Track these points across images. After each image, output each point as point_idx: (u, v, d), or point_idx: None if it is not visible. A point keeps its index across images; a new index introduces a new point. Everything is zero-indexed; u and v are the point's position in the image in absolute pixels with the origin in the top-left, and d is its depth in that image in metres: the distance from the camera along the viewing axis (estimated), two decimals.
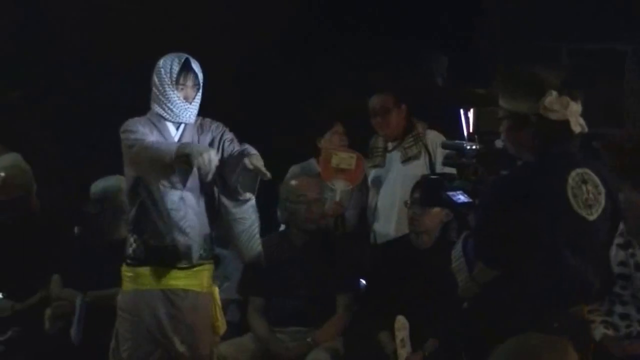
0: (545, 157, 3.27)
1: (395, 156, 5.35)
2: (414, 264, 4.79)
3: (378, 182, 5.34)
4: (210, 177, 3.94)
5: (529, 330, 3.09)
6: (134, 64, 6.24)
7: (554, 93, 3.24)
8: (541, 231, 3.20)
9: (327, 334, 4.94)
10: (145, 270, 4.08)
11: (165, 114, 4.11)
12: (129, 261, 4.11)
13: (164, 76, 4.07)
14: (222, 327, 4.25)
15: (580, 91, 3.32)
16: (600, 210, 3.25)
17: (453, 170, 3.65)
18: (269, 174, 4.05)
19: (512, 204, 3.24)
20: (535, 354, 2.42)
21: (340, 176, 5.35)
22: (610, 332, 4.24)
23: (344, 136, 5.57)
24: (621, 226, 4.15)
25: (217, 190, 4.18)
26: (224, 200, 4.17)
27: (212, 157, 3.88)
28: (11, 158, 5.58)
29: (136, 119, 4.14)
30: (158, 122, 4.13)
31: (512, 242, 3.21)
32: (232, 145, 4.15)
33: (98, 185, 5.14)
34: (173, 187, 4.02)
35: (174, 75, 4.06)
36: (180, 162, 3.90)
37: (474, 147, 3.63)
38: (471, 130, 3.67)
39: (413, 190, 4.86)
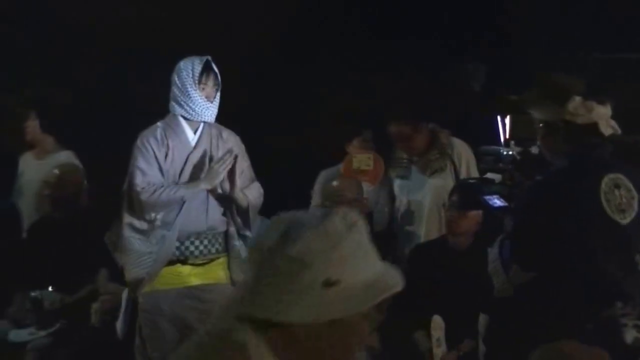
0: (577, 162, 3.32)
1: (419, 168, 5.34)
2: (450, 265, 4.82)
3: (404, 191, 5.38)
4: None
5: (562, 332, 3.17)
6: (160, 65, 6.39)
7: (578, 98, 3.28)
8: (574, 235, 3.24)
9: None
10: (165, 270, 4.21)
11: (186, 114, 4.24)
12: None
13: (186, 76, 4.19)
14: None
15: (608, 95, 3.37)
16: (633, 214, 3.28)
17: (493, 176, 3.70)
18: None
19: (546, 208, 3.29)
20: None
21: (361, 177, 5.44)
22: None
23: (371, 143, 5.67)
24: None
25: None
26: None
27: (228, 165, 4.17)
28: (65, 156, 5.72)
29: (149, 134, 4.27)
30: (176, 126, 4.25)
31: (546, 245, 3.26)
32: (242, 177, 4.32)
33: None
34: None
35: (196, 75, 4.19)
36: None
37: (510, 152, 3.69)
38: (507, 137, 3.74)
39: (451, 194, 4.89)
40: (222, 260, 4.33)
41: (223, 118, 4.45)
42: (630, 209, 3.29)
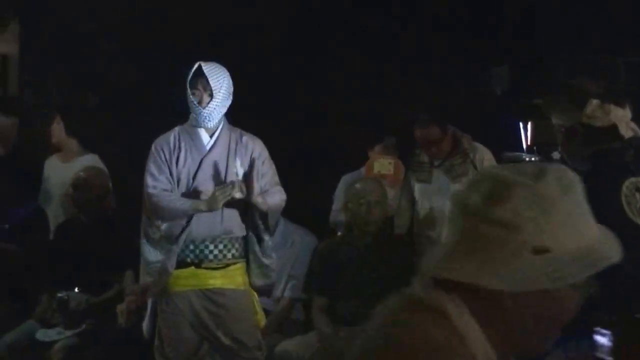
0: (598, 166, 3.34)
1: (442, 173, 5.36)
2: None
3: (425, 196, 5.40)
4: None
5: (580, 326, 3.21)
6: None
7: (595, 101, 3.30)
8: None
9: None
10: (182, 272, 4.27)
11: (192, 120, 4.35)
12: None
13: (186, 83, 4.30)
14: (262, 319, 4.44)
15: (629, 98, 3.38)
16: None
17: None
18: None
19: None
20: None
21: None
22: None
23: (393, 149, 5.71)
24: None
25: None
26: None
27: (228, 195, 4.19)
28: (91, 159, 5.76)
29: (163, 139, 4.37)
30: (191, 130, 4.34)
31: None
32: (263, 179, 4.37)
33: None
34: None
35: (189, 81, 4.27)
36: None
37: (532, 158, 3.74)
38: (530, 143, 3.78)
39: None
40: (241, 265, 4.37)
41: (244, 123, 4.51)
42: None
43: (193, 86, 4.25)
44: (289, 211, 5.63)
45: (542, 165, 1.60)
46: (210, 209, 4.23)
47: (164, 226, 4.30)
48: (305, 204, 5.83)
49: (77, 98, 6.66)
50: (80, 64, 6.76)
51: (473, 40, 6.56)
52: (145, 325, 5.00)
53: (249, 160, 4.34)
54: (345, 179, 5.81)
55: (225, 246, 4.31)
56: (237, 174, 4.31)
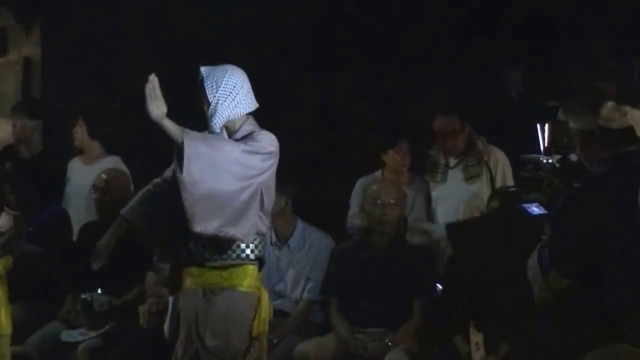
0: (616, 169, 3.33)
1: (456, 174, 5.40)
2: (487, 270, 4.79)
3: (439, 196, 5.43)
4: None
5: (603, 339, 3.21)
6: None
7: (610, 103, 3.29)
8: (614, 242, 3.25)
9: (405, 336, 5.07)
10: (187, 270, 4.18)
11: None
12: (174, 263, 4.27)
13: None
14: (260, 326, 4.19)
15: None
16: None
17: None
18: None
19: (585, 216, 3.31)
20: None
21: None
22: None
23: (407, 154, 5.72)
24: None
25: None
26: None
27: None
28: (112, 161, 5.83)
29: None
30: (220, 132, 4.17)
31: (586, 253, 3.28)
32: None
33: None
34: None
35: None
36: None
37: (550, 161, 3.72)
38: (547, 145, 3.77)
39: (489, 200, 4.95)
40: (249, 267, 4.20)
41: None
42: None
43: (196, 92, 4.17)
44: (307, 214, 5.67)
45: None
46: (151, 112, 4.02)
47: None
48: (324, 207, 5.85)
49: (99, 101, 6.70)
50: (102, 67, 6.79)
51: (488, 43, 6.55)
52: (166, 326, 5.02)
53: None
54: (360, 183, 5.84)
55: (222, 246, 4.15)
56: None
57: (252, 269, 4.19)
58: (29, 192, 5.52)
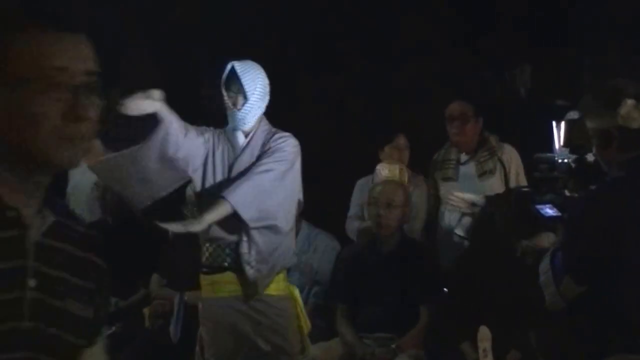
0: (634, 171, 3.25)
1: (469, 169, 5.30)
2: (496, 274, 4.78)
3: (450, 194, 5.29)
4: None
5: (617, 348, 3.10)
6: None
7: (630, 101, 3.20)
8: (629, 247, 3.16)
9: (412, 342, 4.99)
10: (219, 277, 4.16)
11: (229, 121, 4.21)
12: (204, 269, 4.19)
13: (220, 81, 4.17)
14: (305, 327, 4.30)
15: None
16: None
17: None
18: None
19: (601, 219, 3.22)
20: None
21: None
22: None
23: (406, 150, 5.58)
24: None
25: None
26: None
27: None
28: None
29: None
30: (228, 130, 4.20)
31: (601, 258, 3.19)
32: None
33: (193, 189, 5.24)
34: None
35: (223, 81, 4.14)
36: None
37: (565, 160, 3.62)
38: (562, 144, 3.65)
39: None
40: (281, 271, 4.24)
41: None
42: None
43: (227, 88, 4.13)
44: (313, 216, 5.57)
45: None
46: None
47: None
48: (328, 209, 5.76)
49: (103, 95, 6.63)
50: (102, 63, 6.73)
51: (495, 40, 6.47)
52: (172, 329, 4.97)
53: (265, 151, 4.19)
54: (359, 184, 5.71)
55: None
56: None
57: (284, 271, 4.24)
58: None
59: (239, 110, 4.12)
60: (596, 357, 3.20)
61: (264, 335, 4.15)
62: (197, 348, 4.31)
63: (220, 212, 4.00)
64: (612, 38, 5.98)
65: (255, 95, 4.11)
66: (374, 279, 5.05)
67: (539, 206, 3.61)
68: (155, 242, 5.19)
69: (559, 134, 3.68)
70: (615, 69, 5.44)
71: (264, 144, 4.18)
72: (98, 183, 5.44)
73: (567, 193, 3.59)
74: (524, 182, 5.07)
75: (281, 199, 4.10)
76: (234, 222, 4.06)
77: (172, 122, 4.00)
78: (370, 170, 5.64)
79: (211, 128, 4.29)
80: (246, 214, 3.99)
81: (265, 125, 4.22)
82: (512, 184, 5.07)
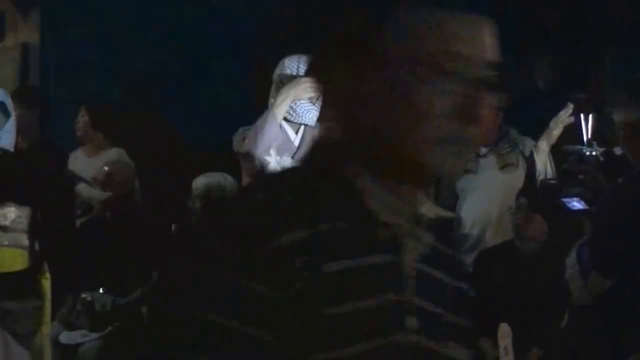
0: None
1: (489, 162, 5.19)
2: (518, 270, 4.68)
3: (469, 188, 5.16)
4: None
5: None
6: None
7: None
8: None
9: None
10: None
11: (286, 114, 4.04)
12: None
13: (290, 72, 3.99)
14: None
15: None
16: None
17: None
18: None
19: (628, 212, 3.18)
20: None
21: None
22: None
23: None
24: None
25: None
26: None
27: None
28: (116, 153, 5.62)
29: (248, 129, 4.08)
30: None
31: (628, 251, 3.13)
32: None
33: (200, 182, 5.15)
34: None
35: (301, 71, 3.96)
36: None
37: (593, 153, 3.56)
38: (590, 136, 3.60)
39: (518, 196, 4.75)
40: None
41: None
42: None
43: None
44: None
45: None
46: (296, 91, 3.90)
47: None
48: None
49: (102, 89, 6.54)
50: (102, 54, 6.64)
51: (516, 33, 6.39)
52: None
53: None
54: None
55: None
56: None
57: None
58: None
59: (314, 105, 4.01)
60: (621, 353, 3.12)
61: None
62: None
63: None
64: (633, 30, 5.93)
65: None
66: None
67: (565, 199, 3.54)
68: (156, 239, 5.08)
69: (586, 126, 3.63)
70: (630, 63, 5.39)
71: None
72: (96, 177, 5.31)
73: (595, 186, 3.53)
74: (551, 172, 4.98)
75: None
76: None
77: None
78: None
79: None
80: None
81: None
82: (539, 176, 4.97)
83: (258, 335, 1.22)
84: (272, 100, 4.07)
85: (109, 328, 5.04)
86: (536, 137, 5.01)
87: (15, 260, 4.39)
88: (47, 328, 4.54)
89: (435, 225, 1.35)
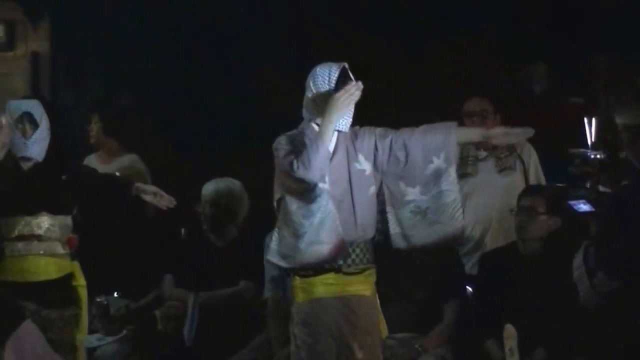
0: None
1: (488, 165, 5.26)
2: (521, 272, 4.73)
3: (469, 191, 5.20)
4: None
5: None
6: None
7: None
8: None
9: (436, 341, 4.93)
10: (318, 279, 4.04)
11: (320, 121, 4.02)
12: (301, 272, 4.05)
13: (322, 82, 4.00)
14: (384, 330, 4.20)
15: None
16: None
17: None
18: None
19: (633, 215, 3.24)
20: None
21: None
22: None
23: None
24: None
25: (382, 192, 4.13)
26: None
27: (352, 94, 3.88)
28: (130, 160, 5.69)
29: (288, 135, 4.07)
30: (311, 133, 4.02)
31: (634, 253, 3.21)
32: (387, 132, 4.08)
33: (209, 187, 5.21)
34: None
35: (333, 81, 3.99)
36: None
37: (598, 156, 3.62)
38: (594, 139, 3.66)
39: (520, 198, 4.81)
40: (373, 270, 4.14)
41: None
42: None
43: (338, 88, 3.94)
44: None
45: None
46: (339, 112, 3.92)
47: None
48: None
49: (113, 96, 6.59)
50: (112, 62, 6.69)
51: (511, 39, 6.46)
52: (186, 331, 4.91)
53: (372, 149, 4.08)
54: None
55: (361, 250, 4.06)
56: (365, 170, 4.06)
57: (374, 271, 4.15)
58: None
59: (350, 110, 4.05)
60: (628, 355, 3.20)
61: (359, 340, 4.05)
62: (292, 348, 4.12)
63: None
64: (627, 35, 5.99)
65: None
66: (396, 278, 4.96)
67: (572, 202, 3.61)
68: (169, 243, 5.14)
69: (590, 130, 3.70)
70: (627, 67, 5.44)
71: (352, 141, 4.11)
72: None
73: (600, 189, 3.60)
74: (542, 179, 5.06)
75: None
76: None
77: None
78: None
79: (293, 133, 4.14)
80: None
81: None
82: (532, 181, 5.06)
83: None
84: (306, 113, 4.09)
85: (124, 332, 5.11)
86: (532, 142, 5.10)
87: (50, 268, 4.44)
88: (83, 335, 4.56)
89: None
